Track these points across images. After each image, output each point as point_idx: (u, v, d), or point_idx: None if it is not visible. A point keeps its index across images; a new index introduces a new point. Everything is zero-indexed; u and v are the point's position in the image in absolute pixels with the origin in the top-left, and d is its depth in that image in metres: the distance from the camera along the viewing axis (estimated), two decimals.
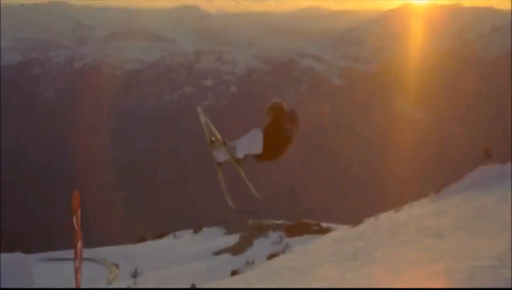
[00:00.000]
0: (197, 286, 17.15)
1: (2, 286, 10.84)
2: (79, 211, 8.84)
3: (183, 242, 36.26)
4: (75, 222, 8.61)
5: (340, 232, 20.83)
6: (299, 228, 32.42)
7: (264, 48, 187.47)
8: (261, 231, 34.09)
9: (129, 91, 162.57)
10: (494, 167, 19.99)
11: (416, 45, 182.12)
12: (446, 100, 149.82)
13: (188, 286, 17.73)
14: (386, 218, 18.17)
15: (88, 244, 17.08)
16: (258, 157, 9.08)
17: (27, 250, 24.56)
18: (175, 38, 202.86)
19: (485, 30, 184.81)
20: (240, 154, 8.96)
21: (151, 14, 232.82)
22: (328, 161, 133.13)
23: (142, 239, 39.64)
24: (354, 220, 21.41)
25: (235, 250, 30.05)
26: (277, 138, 8.86)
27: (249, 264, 22.19)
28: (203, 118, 8.79)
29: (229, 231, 39.03)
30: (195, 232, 40.45)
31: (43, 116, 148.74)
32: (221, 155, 9.29)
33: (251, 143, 9.05)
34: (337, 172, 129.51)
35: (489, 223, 10.54)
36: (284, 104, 8.54)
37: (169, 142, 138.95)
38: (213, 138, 8.99)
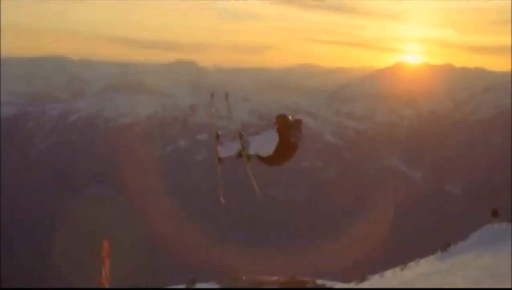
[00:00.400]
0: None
1: None
2: (107, 260, 8.70)
3: None
4: (103, 271, 8.47)
5: None
6: (294, 285, 31.93)
7: (259, 103, 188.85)
8: (255, 286, 33.53)
9: (122, 144, 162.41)
10: (499, 225, 19.93)
11: (409, 104, 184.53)
12: (439, 159, 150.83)
13: None
14: (392, 276, 17.93)
15: None
16: (262, 159, 9.10)
17: None
18: (170, 92, 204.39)
19: (476, 90, 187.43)
20: (252, 151, 9.01)
21: (147, 68, 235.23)
22: (321, 215, 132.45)
23: None
24: (359, 277, 21.11)
25: None
26: (283, 145, 8.95)
27: None
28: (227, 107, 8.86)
29: (224, 286, 38.36)
30: (188, 287, 39.77)
31: (36, 170, 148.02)
32: (224, 151, 9.35)
33: (265, 143, 9.13)
34: (330, 226, 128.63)
35: (500, 283, 10.39)
36: (290, 116, 8.73)
37: (161, 197, 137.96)
38: (220, 132, 9.06)
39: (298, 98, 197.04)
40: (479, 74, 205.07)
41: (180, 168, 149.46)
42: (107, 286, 8.85)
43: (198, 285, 40.80)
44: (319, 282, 32.58)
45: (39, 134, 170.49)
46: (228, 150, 9.37)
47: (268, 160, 8.97)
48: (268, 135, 9.07)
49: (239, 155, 9.07)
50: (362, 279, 19.92)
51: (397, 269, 19.35)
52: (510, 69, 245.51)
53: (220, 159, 9.49)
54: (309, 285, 31.69)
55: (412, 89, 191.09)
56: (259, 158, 9.15)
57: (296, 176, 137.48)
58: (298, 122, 8.94)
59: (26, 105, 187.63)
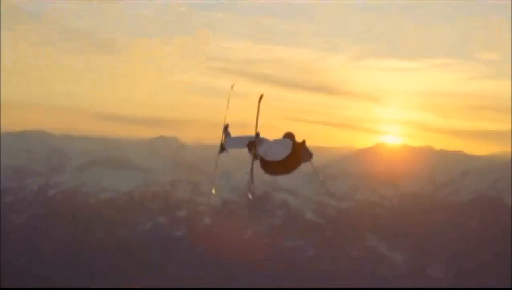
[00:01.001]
0: None
1: None
2: None
3: None
4: None
5: None
6: None
7: (240, 180, 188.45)
8: None
9: (102, 220, 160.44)
10: None
11: (390, 185, 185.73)
12: (421, 241, 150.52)
13: None
14: None
15: None
16: (266, 164, 9.16)
17: None
18: (151, 167, 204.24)
19: (456, 173, 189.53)
20: (260, 152, 9.07)
21: (129, 143, 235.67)
22: None
23: None
24: None
25: None
26: (293, 158, 9.24)
27: None
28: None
29: None
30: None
31: (8, 244, 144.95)
32: (230, 142, 9.41)
33: (276, 149, 9.24)
34: None
35: None
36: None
37: (137, 275, 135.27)
38: (227, 124, 9.15)
39: (281, 176, 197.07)
40: (459, 157, 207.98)
41: (158, 245, 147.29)
42: None
43: None
44: None
45: (16, 208, 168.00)
46: (234, 142, 9.60)
47: (273, 166, 9.10)
48: (283, 143, 9.34)
49: (250, 148, 9.24)
50: None
51: None
52: (488, 153, 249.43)
53: (223, 149, 9.70)
54: None
55: (393, 170, 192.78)
56: (263, 163, 9.21)
57: (276, 255, 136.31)
58: (304, 142, 9.41)
59: (6, 179, 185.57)
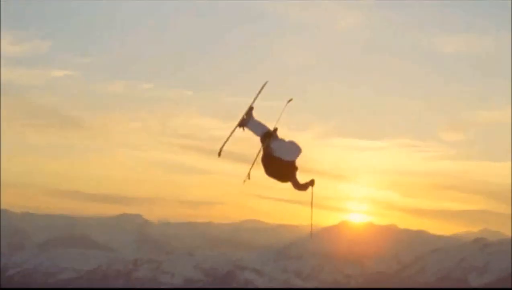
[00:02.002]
0: None
1: None
2: None
3: None
4: None
5: None
6: None
7: (204, 258, 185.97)
8: None
9: None
10: None
11: (355, 263, 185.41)
12: None
13: None
14: None
15: None
16: (269, 160, 9.33)
17: None
18: (114, 246, 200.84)
19: (421, 252, 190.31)
20: (274, 144, 9.28)
21: (92, 221, 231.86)
22: None
23: None
24: None
25: None
26: (292, 164, 9.45)
27: None
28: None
29: None
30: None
31: None
32: (250, 124, 9.61)
33: (290, 148, 9.97)
34: None
35: None
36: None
37: None
38: (253, 106, 9.33)
39: (245, 254, 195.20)
40: (422, 237, 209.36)
41: None
42: None
43: None
44: None
45: None
46: (256, 124, 9.81)
47: (277, 164, 9.38)
48: (296, 146, 9.61)
49: (264, 137, 9.98)
50: None
51: None
52: (451, 233, 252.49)
53: (242, 126, 9.83)
54: None
55: (358, 249, 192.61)
56: (267, 159, 9.46)
57: None
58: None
59: None
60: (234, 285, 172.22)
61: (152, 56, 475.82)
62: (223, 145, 10.42)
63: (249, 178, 10.44)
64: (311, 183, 10.75)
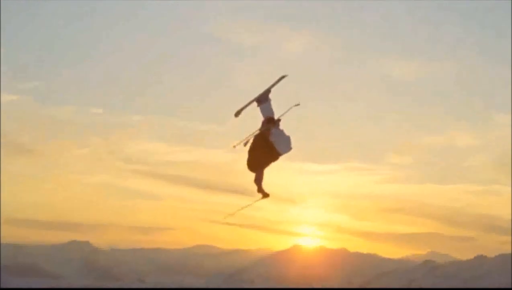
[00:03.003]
0: None
1: None
2: None
3: None
4: None
5: None
6: None
7: (155, 285, 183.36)
8: None
9: None
10: None
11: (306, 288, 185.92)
12: None
13: None
14: None
15: None
16: (258, 140, 10.19)
17: None
18: (63, 273, 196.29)
19: (371, 276, 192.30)
20: (274, 131, 10.16)
21: (39, 249, 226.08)
22: None
23: None
24: None
25: None
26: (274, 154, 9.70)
27: None
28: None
29: None
30: None
31: None
32: (264, 105, 9.81)
33: (284, 140, 10.35)
34: None
35: None
36: None
37: None
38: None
39: (195, 279, 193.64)
40: (373, 260, 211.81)
41: None
42: None
43: None
44: None
45: None
46: (267, 107, 10.58)
47: (264, 150, 10.04)
48: (290, 143, 10.42)
49: (267, 121, 10.33)
50: None
51: None
52: (400, 256, 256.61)
53: (259, 102, 10.55)
54: None
55: (310, 273, 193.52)
56: (258, 142, 9.71)
57: None
58: None
59: None
60: None
61: (101, 81, 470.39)
62: (243, 108, 10.72)
63: (244, 145, 10.70)
64: (265, 195, 11.04)
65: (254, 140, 10.41)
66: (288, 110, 10.70)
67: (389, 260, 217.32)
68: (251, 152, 10.45)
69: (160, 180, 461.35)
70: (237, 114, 10.72)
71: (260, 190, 10.96)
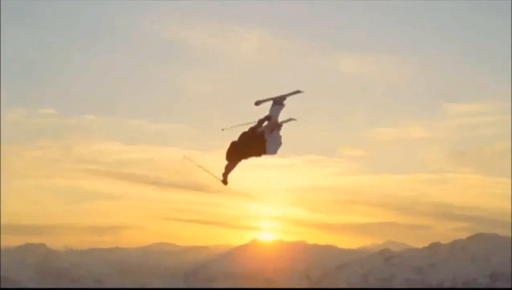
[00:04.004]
0: None
1: None
2: None
3: None
4: None
5: None
6: None
7: (112, 285, 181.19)
8: None
9: None
10: None
11: (267, 282, 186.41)
12: None
13: None
14: None
15: None
16: (251, 133, 10.61)
17: None
18: (18, 277, 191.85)
19: (330, 267, 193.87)
20: (274, 133, 10.84)
21: None
22: None
23: None
24: None
25: None
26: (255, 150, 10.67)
27: None
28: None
29: None
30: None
31: None
32: (275, 106, 11.13)
33: (275, 143, 10.96)
34: None
35: None
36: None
37: None
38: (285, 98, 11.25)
39: (155, 278, 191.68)
40: (331, 251, 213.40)
41: None
42: None
43: None
44: None
45: None
46: (277, 109, 11.16)
47: (251, 149, 10.57)
48: (277, 149, 11.02)
49: (266, 119, 10.87)
50: None
51: None
52: (358, 246, 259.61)
53: (276, 103, 11.11)
54: None
55: (269, 267, 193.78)
56: (246, 138, 10.47)
57: None
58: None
59: None
60: None
61: (52, 82, 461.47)
62: (263, 101, 11.34)
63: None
64: (224, 182, 11.67)
65: (246, 132, 10.69)
66: (287, 121, 11.45)
67: (347, 250, 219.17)
68: (237, 142, 10.72)
69: (115, 179, 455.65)
70: (258, 103, 11.14)
71: (224, 176, 11.41)
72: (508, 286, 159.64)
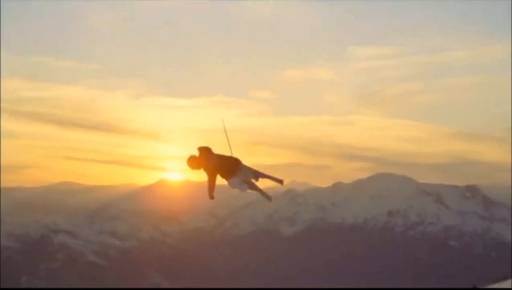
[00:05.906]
0: None
1: None
2: None
3: None
4: None
5: None
6: None
7: (15, 224, 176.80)
8: None
9: None
10: None
11: (172, 221, 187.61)
12: (201, 274, 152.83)
13: None
14: None
15: None
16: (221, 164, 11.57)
17: None
18: None
19: (235, 207, 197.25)
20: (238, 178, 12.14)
21: None
22: None
23: None
24: None
25: None
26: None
27: None
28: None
29: None
30: None
31: None
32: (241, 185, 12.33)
33: (241, 184, 12.16)
34: None
35: None
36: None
37: None
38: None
39: (58, 217, 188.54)
40: (237, 191, 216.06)
41: None
42: None
43: None
44: None
45: None
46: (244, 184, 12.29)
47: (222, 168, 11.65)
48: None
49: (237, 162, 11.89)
50: None
51: None
52: (263, 186, 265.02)
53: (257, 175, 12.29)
54: None
55: (175, 206, 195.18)
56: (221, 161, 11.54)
57: None
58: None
59: None
60: (49, 250, 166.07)
61: None
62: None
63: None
64: (211, 197, 12.83)
65: (226, 158, 11.69)
66: (273, 179, 12.67)
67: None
68: (214, 159, 11.65)
69: (17, 117, 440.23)
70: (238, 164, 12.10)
71: (210, 194, 12.65)
72: (404, 222, 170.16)
